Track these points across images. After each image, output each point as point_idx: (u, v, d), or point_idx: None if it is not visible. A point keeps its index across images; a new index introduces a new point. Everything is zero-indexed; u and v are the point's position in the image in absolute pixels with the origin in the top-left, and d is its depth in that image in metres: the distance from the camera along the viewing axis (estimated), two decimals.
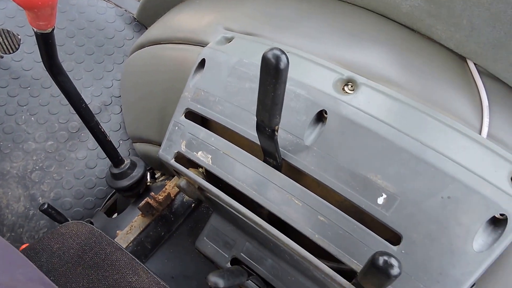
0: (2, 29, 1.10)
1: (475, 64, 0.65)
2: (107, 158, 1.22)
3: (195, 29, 0.90)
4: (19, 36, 1.14)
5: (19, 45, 1.14)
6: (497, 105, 0.62)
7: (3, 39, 1.11)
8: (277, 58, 0.47)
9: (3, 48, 1.12)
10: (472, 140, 0.58)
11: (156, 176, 1.17)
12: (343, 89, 0.66)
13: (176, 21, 1.01)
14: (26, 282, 0.48)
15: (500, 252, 0.54)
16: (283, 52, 0.47)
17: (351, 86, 0.66)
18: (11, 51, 1.14)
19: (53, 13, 0.64)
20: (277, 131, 0.57)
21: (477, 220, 0.54)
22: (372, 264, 0.45)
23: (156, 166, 1.17)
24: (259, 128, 0.58)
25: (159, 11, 1.22)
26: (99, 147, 1.22)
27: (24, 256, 0.54)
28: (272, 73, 0.48)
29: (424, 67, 0.68)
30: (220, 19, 0.88)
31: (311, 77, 0.68)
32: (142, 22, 1.38)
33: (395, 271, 0.44)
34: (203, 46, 0.84)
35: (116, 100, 1.30)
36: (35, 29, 0.66)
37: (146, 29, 1.37)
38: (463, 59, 0.67)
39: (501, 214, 0.54)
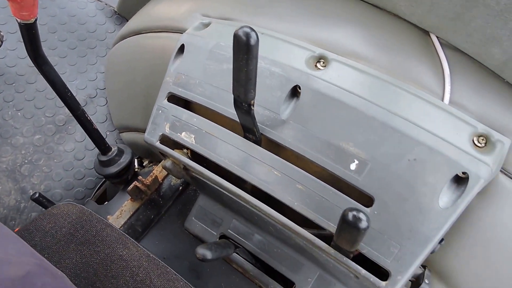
0: None
1: (437, 37, 0.70)
2: (95, 149, 1.25)
3: (174, 17, 0.93)
4: (1, 33, 1.16)
5: (2, 42, 1.16)
6: (458, 73, 0.67)
7: None
8: (247, 35, 0.50)
9: None
10: (435, 106, 0.62)
11: (144, 164, 1.20)
12: (316, 65, 0.70)
13: (155, 11, 1.04)
14: (19, 256, 0.51)
15: (464, 208, 0.59)
16: (252, 30, 0.50)
17: (323, 62, 0.70)
18: None
19: (35, 3, 0.66)
20: (253, 106, 0.61)
21: (441, 179, 0.59)
22: (343, 220, 0.50)
23: (144, 153, 1.20)
24: (236, 103, 0.62)
25: (138, 3, 1.24)
26: (86, 138, 1.25)
27: (15, 234, 0.57)
28: (244, 50, 0.52)
29: (390, 42, 0.72)
30: (197, 7, 0.91)
31: (284, 56, 0.71)
32: (122, 15, 1.40)
33: (363, 224, 0.48)
34: (182, 33, 0.87)
35: (101, 93, 1.32)
36: (19, 20, 0.68)
37: (127, 21, 1.40)
38: (426, 32, 0.71)
39: (463, 173, 0.59)
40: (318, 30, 0.76)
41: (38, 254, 0.55)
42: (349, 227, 0.50)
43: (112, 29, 1.39)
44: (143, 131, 1.12)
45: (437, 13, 0.66)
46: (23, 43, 1.29)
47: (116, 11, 1.40)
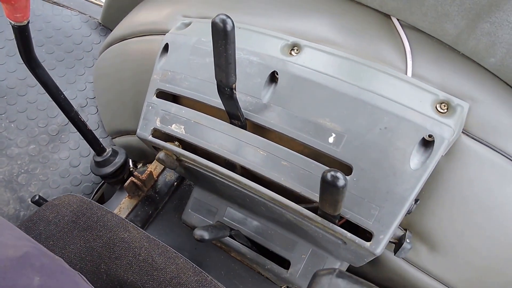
0: None
1: (397, 19, 0.77)
2: (89, 155, 1.30)
3: (156, 20, 0.99)
4: None
5: None
6: (418, 49, 0.73)
7: None
8: (224, 21, 0.56)
9: None
10: (400, 79, 0.69)
11: (138, 166, 1.25)
12: (290, 53, 0.76)
13: (138, 17, 1.10)
14: (15, 240, 0.54)
15: (433, 167, 0.65)
16: (228, 17, 0.56)
17: (297, 50, 0.76)
18: None
19: (27, 5, 0.71)
20: (235, 90, 0.67)
21: (410, 143, 0.65)
22: (323, 181, 0.55)
23: (137, 156, 1.25)
24: (220, 89, 0.67)
25: (121, 13, 1.29)
26: (80, 146, 1.30)
27: (9, 222, 0.60)
28: (222, 35, 0.57)
29: (356, 27, 0.79)
30: (178, 9, 0.97)
31: (261, 46, 0.78)
32: (107, 25, 1.45)
33: (341, 182, 0.54)
34: (164, 34, 0.93)
35: (91, 102, 1.37)
36: (12, 22, 0.72)
37: (111, 31, 1.45)
38: (387, 16, 0.78)
39: (429, 136, 0.65)
40: (290, 21, 0.82)
41: (32, 239, 0.58)
42: (329, 186, 0.55)
43: (97, 40, 1.44)
44: (135, 133, 1.17)
45: None
46: (11, 57, 1.35)
47: (100, 23, 1.46)
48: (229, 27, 0.56)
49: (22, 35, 0.75)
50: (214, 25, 0.56)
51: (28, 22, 0.73)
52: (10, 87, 1.31)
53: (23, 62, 1.23)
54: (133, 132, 1.16)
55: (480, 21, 0.66)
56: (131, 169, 1.08)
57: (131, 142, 1.19)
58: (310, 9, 0.83)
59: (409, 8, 0.72)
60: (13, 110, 1.29)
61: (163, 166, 1.07)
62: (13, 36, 1.39)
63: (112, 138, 1.32)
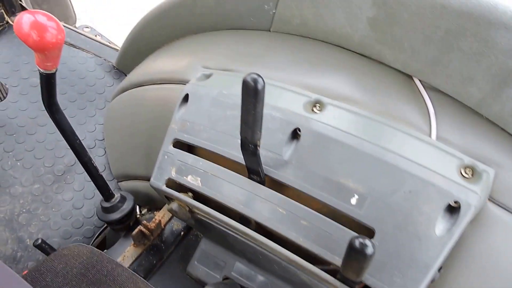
0: None
1: (419, 80, 0.77)
2: (94, 198, 1.27)
3: (175, 69, 1.00)
4: (6, 86, 1.21)
5: (6, 94, 1.20)
6: (442, 112, 0.74)
7: None
8: (255, 80, 0.56)
9: None
10: (424, 142, 0.69)
11: (142, 212, 1.22)
12: (312, 109, 0.76)
13: (156, 65, 1.11)
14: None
15: (459, 235, 0.63)
16: (259, 76, 0.56)
17: (319, 107, 0.76)
18: None
19: (59, 55, 0.72)
20: (259, 146, 0.66)
21: (435, 208, 0.64)
22: (350, 247, 0.53)
23: (143, 201, 1.22)
24: (243, 145, 0.67)
25: (137, 59, 1.32)
26: (85, 188, 1.27)
27: (15, 273, 0.57)
28: (252, 94, 0.58)
29: (378, 86, 0.80)
30: (198, 59, 0.98)
31: (284, 102, 0.78)
32: (121, 69, 1.47)
33: (369, 250, 0.52)
34: (184, 84, 0.93)
35: (100, 143, 1.36)
36: (41, 70, 0.73)
37: (125, 75, 1.47)
38: (409, 76, 0.79)
39: (455, 202, 0.64)
40: (310, 77, 0.83)
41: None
42: (356, 254, 0.53)
43: (110, 83, 1.45)
44: (144, 179, 1.15)
45: (418, 59, 0.74)
46: (24, 96, 1.35)
47: (114, 66, 1.48)
48: (260, 86, 0.56)
49: (49, 82, 0.76)
50: (245, 83, 0.57)
51: (56, 70, 0.73)
52: (20, 125, 1.30)
53: (35, 102, 1.24)
54: (142, 178, 1.14)
55: (506, 87, 0.66)
56: (138, 216, 1.05)
57: (139, 187, 1.17)
58: (331, 67, 0.84)
59: (432, 70, 0.73)
60: (21, 149, 1.28)
61: (171, 215, 1.04)
62: (27, 76, 1.41)
63: (118, 181, 1.29)
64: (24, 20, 0.65)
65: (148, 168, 1.09)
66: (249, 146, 0.66)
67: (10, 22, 1.55)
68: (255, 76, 0.56)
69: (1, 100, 1.20)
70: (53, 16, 0.69)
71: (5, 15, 1.54)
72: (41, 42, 0.66)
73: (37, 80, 1.41)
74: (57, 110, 0.82)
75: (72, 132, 0.86)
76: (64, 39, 0.69)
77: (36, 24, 0.65)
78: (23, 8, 1.57)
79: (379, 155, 0.68)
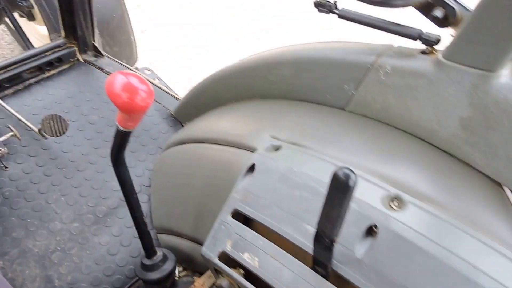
0: (55, 114, 1.19)
1: (510, 190, 0.71)
2: (130, 246, 1.22)
3: (242, 134, 0.97)
4: (68, 122, 1.22)
5: (66, 130, 1.21)
6: None
7: (54, 123, 1.18)
8: (347, 176, 0.52)
9: (51, 131, 1.19)
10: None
11: (179, 270, 1.16)
12: (390, 204, 0.71)
13: (220, 124, 1.09)
14: None
15: None
16: (352, 171, 0.52)
17: (397, 203, 0.70)
18: (57, 135, 1.21)
19: (142, 116, 0.71)
20: (335, 242, 0.60)
21: None
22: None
23: (180, 260, 1.16)
24: (318, 238, 0.61)
25: (195, 111, 1.32)
26: (123, 234, 1.23)
27: None
28: (341, 189, 0.53)
29: (463, 189, 0.74)
30: (266, 128, 0.95)
31: (359, 191, 0.72)
32: (178, 118, 1.47)
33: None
34: (249, 151, 0.90)
35: (145, 189, 1.33)
36: (121, 128, 0.72)
37: (181, 124, 1.47)
38: (499, 184, 0.73)
39: None
40: (389, 168, 0.78)
41: None
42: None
43: (165, 130, 1.45)
44: (189, 238, 1.10)
45: None
46: (80, 131, 1.36)
47: (172, 114, 1.48)
48: (352, 183, 0.52)
49: (123, 138, 0.75)
50: (335, 177, 0.53)
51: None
52: (72, 161, 1.31)
53: (90, 139, 1.24)
54: (185, 236, 1.09)
55: None
56: (177, 278, 0.99)
57: (180, 246, 1.12)
58: (411, 159, 0.79)
59: None
60: (67, 184, 1.27)
61: (212, 282, 0.98)
62: (87, 113, 1.43)
63: (157, 233, 1.25)
64: (117, 80, 0.65)
65: (195, 229, 1.04)
66: (325, 240, 0.60)
67: (81, 60, 1.61)
68: (348, 172, 0.52)
69: (60, 135, 1.21)
70: (145, 79, 0.69)
71: (77, 52, 1.60)
72: (130, 105, 0.66)
73: (95, 118, 1.43)
74: (121, 163, 0.81)
75: (131, 186, 0.84)
76: (152, 103, 0.69)
77: (128, 86, 0.65)
78: (95, 48, 1.63)
79: (466, 273, 0.61)
